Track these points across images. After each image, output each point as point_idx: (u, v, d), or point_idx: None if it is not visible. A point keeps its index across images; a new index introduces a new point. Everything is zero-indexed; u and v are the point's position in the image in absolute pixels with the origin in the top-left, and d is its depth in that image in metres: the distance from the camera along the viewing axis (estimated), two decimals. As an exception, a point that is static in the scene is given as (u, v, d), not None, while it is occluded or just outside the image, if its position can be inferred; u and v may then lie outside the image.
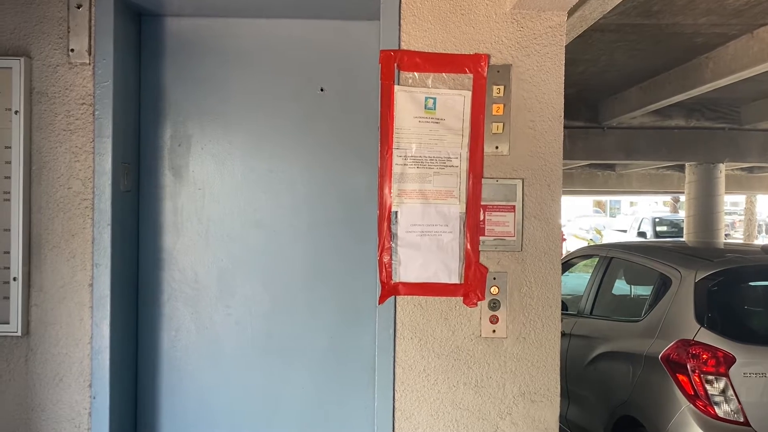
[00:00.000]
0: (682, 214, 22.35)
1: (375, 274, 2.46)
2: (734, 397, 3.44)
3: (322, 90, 2.61)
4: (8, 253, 2.32)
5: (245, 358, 2.61)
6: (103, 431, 2.36)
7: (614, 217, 39.29)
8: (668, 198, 34.18)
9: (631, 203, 43.20)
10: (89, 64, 2.37)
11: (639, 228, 23.94)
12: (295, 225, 2.62)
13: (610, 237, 25.89)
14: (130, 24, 2.50)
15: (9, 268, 2.32)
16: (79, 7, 2.35)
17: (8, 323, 2.33)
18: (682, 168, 15.37)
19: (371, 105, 2.51)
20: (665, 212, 32.44)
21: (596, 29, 6.03)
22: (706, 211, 13.05)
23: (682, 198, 18.63)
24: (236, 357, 2.60)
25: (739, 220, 28.46)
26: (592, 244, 17.83)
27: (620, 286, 5.32)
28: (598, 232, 28.73)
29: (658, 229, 22.93)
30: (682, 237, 17.53)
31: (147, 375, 2.60)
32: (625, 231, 26.35)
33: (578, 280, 6.00)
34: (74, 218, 2.38)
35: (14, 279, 2.33)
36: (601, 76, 8.77)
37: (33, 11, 2.36)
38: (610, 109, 10.67)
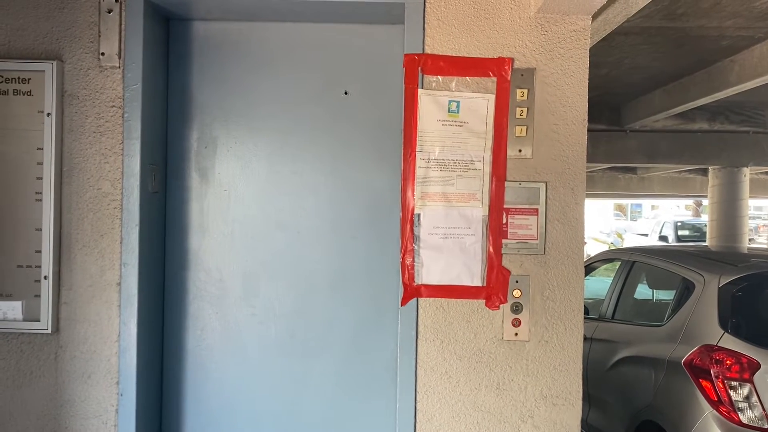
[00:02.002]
0: (704, 218, 22.07)
1: (397, 275, 2.48)
2: (758, 404, 3.41)
3: (345, 93, 2.64)
4: (39, 252, 2.38)
5: (268, 357, 2.64)
6: (130, 428, 2.40)
7: (635, 220, 38.93)
8: (690, 202, 33.80)
9: (653, 207, 42.77)
10: (119, 67, 2.41)
11: (660, 232, 23.71)
12: (318, 226, 2.65)
13: (632, 241, 25.65)
14: (158, 28, 2.55)
15: (40, 266, 2.38)
16: (109, 12, 2.39)
17: (39, 321, 2.38)
18: (705, 171, 15.22)
19: (394, 108, 2.53)
20: (687, 216, 32.07)
21: (620, 32, 6.00)
22: (729, 215, 12.91)
23: (705, 202, 18.41)
24: (260, 357, 2.64)
25: (764, 225, 28.04)
26: (612, 247, 17.69)
27: (642, 291, 5.28)
28: (619, 235, 28.48)
29: (680, 233, 22.69)
30: (704, 241, 17.32)
31: (172, 373, 2.64)
32: (646, 235, 26.10)
33: (599, 284, 5.96)
34: (103, 218, 2.42)
35: (45, 277, 2.38)
36: (624, 78, 8.71)
37: (65, 16, 2.41)
38: (632, 112, 10.59)
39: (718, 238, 12.85)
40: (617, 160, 12.37)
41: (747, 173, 12.81)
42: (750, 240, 16.97)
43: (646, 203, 41.85)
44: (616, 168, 17.33)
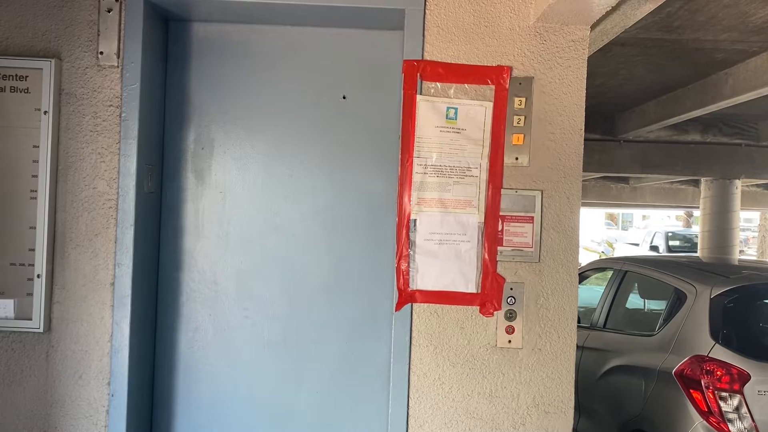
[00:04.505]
0: (695, 228, 22.18)
1: (392, 280, 2.48)
2: (748, 415, 3.42)
3: (344, 97, 2.64)
4: (33, 250, 2.36)
5: (261, 360, 2.63)
6: (120, 429, 2.39)
7: (626, 230, 39.07)
8: (681, 212, 33.95)
9: (644, 216, 42.94)
10: (117, 67, 2.41)
11: (651, 242, 23.79)
12: (314, 230, 2.64)
13: (622, 250, 25.73)
14: (157, 28, 2.55)
15: (33, 265, 2.36)
16: (109, 11, 2.39)
17: (31, 319, 2.37)
18: (696, 183, 15.31)
19: (392, 113, 2.54)
20: (678, 226, 32.19)
21: (616, 43, 6.03)
22: (721, 226, 12.97)
23: (696, 213, 18.50)
24: (252, 359, 2.63)
25: (753, 237, 28.20)
26: (603, 256, 17.76)
27: (634, 300, 5.30)
28: (610, 245, 28.57)
29: (671, 243, 22.78)
30: (694, 252, 17.42)
31: (164, 374, 2.63)
32: (637, 244, 26.19)
33: (591, 293, 5.98)
34: (98, 218, 2.42)
35: (38, 276, 2.36)
36: (619, 89, 8.75)
37: (64, 14, 2.40)
38: (626, 122, 10.63)
39: (710, 249, 12.91)
40: (610, 169, 12.41)
41: (739, 185, 12.89)
42: (740, 252, 17.07)
43: (637, 213, 42.02)
44: (609, 177, 17.38)
